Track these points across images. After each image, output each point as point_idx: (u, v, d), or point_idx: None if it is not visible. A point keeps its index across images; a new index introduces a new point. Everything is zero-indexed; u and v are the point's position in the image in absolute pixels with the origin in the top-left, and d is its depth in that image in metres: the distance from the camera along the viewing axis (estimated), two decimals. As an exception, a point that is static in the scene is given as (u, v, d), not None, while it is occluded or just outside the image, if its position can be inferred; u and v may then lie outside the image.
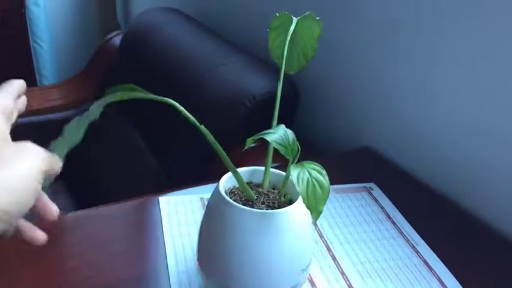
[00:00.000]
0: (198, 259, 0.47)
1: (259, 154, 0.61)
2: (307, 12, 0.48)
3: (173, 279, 0.52)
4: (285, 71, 0.48)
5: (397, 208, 0.67)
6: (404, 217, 0.66)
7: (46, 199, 0.40)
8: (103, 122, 0.40)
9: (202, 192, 0.67)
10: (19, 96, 0.43)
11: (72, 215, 0.63)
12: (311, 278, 0.54)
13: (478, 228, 0.67)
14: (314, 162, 0.40)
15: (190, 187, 0.68)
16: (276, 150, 0.44)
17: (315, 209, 0.38)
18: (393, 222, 0.64)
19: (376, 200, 0.69)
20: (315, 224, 0.62)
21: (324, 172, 0.39)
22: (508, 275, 0.58)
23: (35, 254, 0.53)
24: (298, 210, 0.43)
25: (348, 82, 0.90)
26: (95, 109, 0.38)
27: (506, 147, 0.66)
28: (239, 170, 0.45)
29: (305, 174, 0.38)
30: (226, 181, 0.45)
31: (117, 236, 0.60)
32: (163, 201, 0.64)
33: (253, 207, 0.43)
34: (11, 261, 0.53)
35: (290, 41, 0.48)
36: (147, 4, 1.58)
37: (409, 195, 0.72)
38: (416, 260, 0.58)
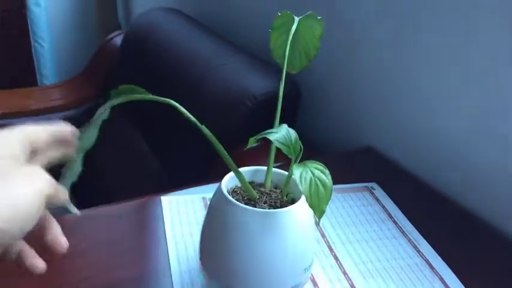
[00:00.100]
0: (200, 259, 0.47)
1: (260, 154, 0.61)
2: (309, 12, 0.48)
3: (175, 278, 0.52)
4: (286, 71, 0.48)
5: (399, 208, 0.67)
6: (406, 217, 0.66)
7: (58, 232, 0.39)
8: (104, 123, 0.40)
9: (204, 192, 0.67)
10: (64, 140, 0.42)
11: (73, 215, 0.63)
12: (313, 278, 0.54)
13: (479, 228, 0.67)
14: (317, 162, 0.40)
15: (192, 187, 0.68)
16: (277, 150, 0.44)
17: (318, 208, 0.38)
18: (395, 222, 0.64)
19: (377, 200, 0.69)
20: (318, 224, 0.62)
21: (327, 171, 0.39)
22: (509, 275, 0.58)
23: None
24: (300, 209, 0.43)
25: (349, 82, 0.90)
26: (102, 113, 0.39)
27: (507, 147, 0.66)
28: (241, 169, 0.45)
29: (308, 174, 0.38)
30: (229, 181, 0.45)
31: (119, 235, 0.60)
32: (165, 200, 0.64)
33: (255, 207, 0.43)
34: (12, 261, 0.53)
35: (292, 41, 0.48)
36: (148, 4, 1.59)
37: (411, 195, 0.72)
38: (418, 260, 0.58)
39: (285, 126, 0.42)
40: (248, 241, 0.42)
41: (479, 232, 0.66)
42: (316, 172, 0.39)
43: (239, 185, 0.46)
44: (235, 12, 1.20)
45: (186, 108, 0.41)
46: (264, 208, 0.43)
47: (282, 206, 0.43)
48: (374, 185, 0.72)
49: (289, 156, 0.41)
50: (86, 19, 1.90)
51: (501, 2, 0.62)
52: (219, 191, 0.44)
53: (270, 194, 0.45)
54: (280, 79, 0.47)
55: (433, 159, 0.76)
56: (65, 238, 0.39)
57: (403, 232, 0.63)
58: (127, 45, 1.29)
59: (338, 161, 0.80)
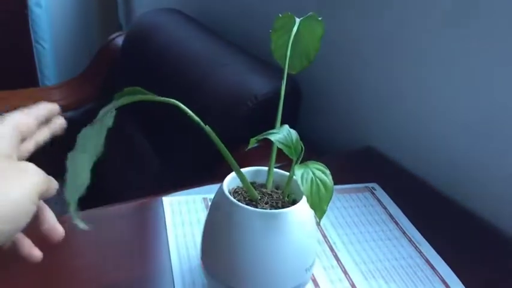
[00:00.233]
0: (202, 259, 0.47)
1: (261, 154, 0.61)
2: (310, 13, 0.49)
3: (177, 279, 0.52)
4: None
5: (400, 208, 0.68)
6: (407, 217, 0.66)
7: (53, 221, 0.40)
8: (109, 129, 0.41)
9: (205, 193, 0.67)
10: (49, 119, 0.43)
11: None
12: (314, 278, 0.54)
13: (480, 228, 0.67)
14: (318, 162, 0.40)
15: (193, 187, 0.69)
16: (278, 151, 0.44)
17: (319, 208, 0.38)
18: (396, 223, 0.65)
19: (378, 200, 0.69)
20: (319, 224, 0.62)
21: (328, 172, 0.39)
22: (510, 275, 0.58)
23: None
24: (301, 210, 0.43)
25: (349, 82, 0.90)
26: (105, 115, 0.38)
27: (508, 147, 0.66)
28: (242, 170, 0.45)
29: (309, 174, 0.38)
30: (230, 181, 0.45)
31: (121, 236, 0.60)
32: (167, 201, 0.65)
33: (257, 207, 0.43)
34: (14, 261, 0.53)
35: (292, 42, 0.48)
36: (149, 5, 1.59)
37: (412, 195, 0.72)
38: (419, 260, 0.58)
39: (286, 126, 0.42)
40: (250, 241, 0.42)
41: (480, 232, 0.66)
42: (317, 172, 0.39)
43: (241, 185, 0.46)
44: (235, 12, 1.20)
45: (187, 108, 0.41)
46: (265, 209, 0.43)
47: (283, 207, 0.44)
48: (375, 185, 0.72)
49: (291, 156, 0.41)
50: (87, 20, 1.91)
51: (501, 2, 0.62)
52: (220, 191, 0.44)
53: (271, 194, 0.45)
54: (280, 79, 0.47)
55: (433, 159, 0.76)
56: (61, 226, 0.40)
57: (403, 232, 0.63)
58: (128, 46, 1.29)
59: (339, 161, 0.80)
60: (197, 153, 0.96)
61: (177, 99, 0.41)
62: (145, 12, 1.31)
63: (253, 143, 0.40)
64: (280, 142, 0.40)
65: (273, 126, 0.44)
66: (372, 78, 0.85)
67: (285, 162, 0.47)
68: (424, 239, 0.62)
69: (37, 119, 0.42)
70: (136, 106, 0.42)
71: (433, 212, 0.69)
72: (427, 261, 0.58)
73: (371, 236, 0.61)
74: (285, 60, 0.47)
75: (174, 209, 0.63)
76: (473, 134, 0.70)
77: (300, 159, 0.41)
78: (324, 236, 0.61)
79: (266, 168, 0.47)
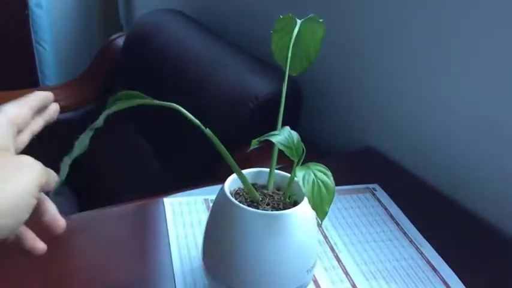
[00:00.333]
0: (203, 260, 0.47)
1: (261, 155, 0.62)
2: (311, 15, 0.49)
3: (178, 279, 0.52)
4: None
5: (400, 209, 0.68)
6: (408, 218, 0.66)
7: (54, 212, 0.40)
8: (105, 124, 0.40)
9: (206, 194, 0.67)
10: (44, 107, 0.43)
11: (76, 216, 0.64)
12: (315, 279, 0.54)
13: (481, 229, 0.67)
14: (319, 164, 0.40)
15: (193, 188, 0.69)
16: (279, 152, 0.44)
17: (320, 209, 0.38)
18: (396, 223, 0.65)
19: (379, 201, 0.69)
20: (320, 225, 0.62)
21: (329, 173, 0.39)
22: (511, 276, 0.58)
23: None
24: (303, 211, 0.43)
25: (349, 83, 0.91)
26: (101, 119, 0.38)
27: (508, 147, 0.66)
28: (244, 171, 0.45)
29: (310, 176, 0.39)
30: (232, 182, 0.46)
31: (122, 237, 0.60)
32: (168, 202, 0.65)
33: (258, 209, 0.43)
34: (16, 262, 0.53)
35: (293, 43, 0.48)
36: (149, 6, 1.59)
37: (412, 196, 0.72)
38: (420, 261, 0.58)
39: (287, 128, 0.42)
40: (251, 243, 0.42)
41: (481, 233, 0.66)
42: (319, 174, 0.39)
43: (242, 186, 0.46)
44: (236, 13, 1.20)
45: (187, 110, 0.41)
46: (266, 210, 0.43)
47: (284, 208, 0.44)
48: (375, 186, 0.72)
49: (292, 158, 0.41)
50: (88, 20, 1.91)
51: (500, 2, 0.63)
52: (222, 192, 0.44)
53: (272, 195, 0.46)
54: (281, 80, 0.47)
55: (434, 160, 0.76)
56: (62, 218, 0.40)
57: (404, 233, 0.63)
58: (129, 47, 1.29)
59: (339, 162, 0.80)
60: (197, 154, 0.96)
61: (177, 100, 0.41)
62: (146, 12, 1.31)
63: (254, 144, 0.40)
64: (281, 144, 0.41)
65: (273, 127, 0.44)
66: (372, 79, 0.85)
67: (286, 163, 0.47)
68: (425, 240, 0.62)
69: (32, 109, 0.41)
70: (135, 108, 0.42)
71: (433, 212, 0.69)
72: (428, 262, 0.58)
73: (372, 237, 0.62)
74: (286, 61, 0.47)
75: (175, 210, 0.63)
76: (474, 134, 0.70)
77: (301, 160, 0.41)
78: (325, 237, 0.61)
79: (267, 169, 0.47)
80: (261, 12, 1.11)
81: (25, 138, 0.42)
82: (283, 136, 0.41)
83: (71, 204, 1.19)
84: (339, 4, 0.88)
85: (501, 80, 0.65)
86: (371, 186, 0.72)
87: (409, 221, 0.65)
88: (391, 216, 0.66)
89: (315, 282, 0.53)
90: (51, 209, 0.40)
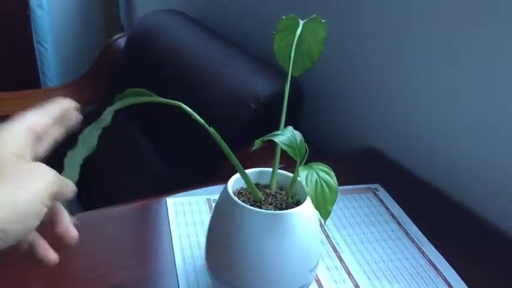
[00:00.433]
0: (206, 259, 0.47)
1: (263, 155, 0.62)
2: (313, 15, 0.49)
3: (181, 279, 0.52)
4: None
5: (402, 209, 0.68)
6: (410, 217, 0.66)
7: (67, 222, 0.40)
8: (106, 128, 0.41)
9: (208, 194, 0.67)
10: (65, 116, 0.42)
11: (79, 216, 0.64)
12: (318, 279, 0.54)
13: (483, 229, 0.67)
14: (322, 164, 0.40)
15: (196, 188, 0.69)
16: (281, 152, 0.44)
17: (323, 209, 0.38)
18: (398, 223, 0.65)
19: (381, 201, 0.69)
20: (322, 225, 0.62)
21: (332, 173, 0.39)
22: (513, 275, 0.58)
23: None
24: (305, 211, 0.43)
25: (350, 83, 0.91)
26: (106, 115, 0.39)
27: (508, 147, 0.66)
28: (246, 171, 0.45)
29: (313, 176, 0.39)
30: (235, 182, 0.46)
31: (125, 236, 0.60)
32: (171, 202, 0.65)
33: (261, 208, 0.43)
34: (20, 261, 0.53)
35: (296, 44, 0.48)
36: (150, 6, 1.59)
37: (414, 196, 0.72)
38: (422, 261, 0.58)
39: (290, 128, 0.43)
40: (254, 242, 0.42)
41: (482, 233, 0.66)
42: (322, 174, 0.39)
43: (245, 186, 0.46)
44: (237, 13, 1.21)
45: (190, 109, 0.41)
46: (269, 209, 0.43)
47: (287, 208, 0.44)
48: (377, 186, 0.73)
49: (295, 158, 0.41)
50: (89, 21, 1.91)
51: (502, 2, 0.63)
52: (225, 192, 0.44)
53: (275, 195, 0.46)
54: (283, 80, 0.47)
55: (435, 160, 0.76)
56: (75, 229, 0.40)
57: (406, 233, 0.63)
58: (130, 47, 1.29)
59: (340, 162, 0.80)
60: (199, 154, 0.96)
61: (179, 100, 0.41)
62: (147, 13, 1.31)
63: (257, 144, 0.40)
64: (284, 144, 0.41)
65: (275, 128, 0.44)
66: (373, 79, 0.85)
67: (288, 163, 0.47)
68: (427, 240, 0.62)
69: (53, 117, 0.41)
70: (137, 107, 0.42)
71: (435, 212, 0.69)
72: (430, 261, 0.58)
73: (374, 237, 0.62)
74: (289, 62, 0.48)
75: (178, 210, 0.63)
76: (474, 134, 0.70)
77: (304, 160, 0.41)
78: (327, 237, 0.61)
79: (269, 169, 0.47)
80: (261, 12, 1.11)
81: (45, 146, 0.41)
82: (286, 136, 0.41)
83: (71, 204, 1.19)
84: (339, 4, 0.88)
85: (501, 81, 0.65)
86: (373, 186, 0.73)
87: (410, 221, 0.65)
88: (393, 216, 0.66)
89: (318, 281, 0.54)
90: (65, 220, 0.40)
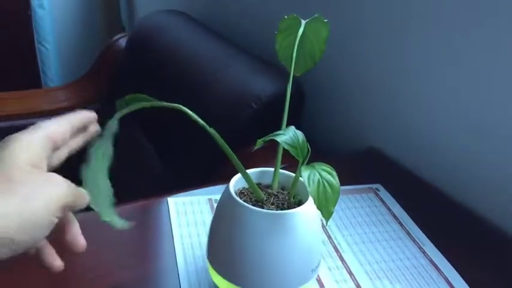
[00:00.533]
0: (208, 258, 0.47)
1: (264, 155, 0.62)
2: (316, 15, 0.49)
3: (183, 278, 0.52)
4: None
5: (404, 209, 0.68)
6: (411, 217, 0.66)
7: (76, 231, 0.40)
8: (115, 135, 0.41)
9: (210, 193, 0.67)
10: (85, 127, 0.42)
11: (79, 216, 0.64)
12: (319, 278, 0.54)
13: (484, 229, 0.67)
14: (324, 164, 0.40)
15: (197, 188, 0.69)
16: (283, 152, 0.44)
17: (326, 209, 0.38)
18: (400, 223, 0.65)
19: (382, 201, 0.69)
20: (325, 225, 0.62)
21: (334, 173, 0.40)
22: (515, 276, 0.58)
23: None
24: (307, 210, 0.43)
25: (351, 83, 0.91)
26: (111, 125, 0.39)
27: (509, 147, 0.66)
28: (248, 171, 0.45)
29: (316, 176, 0.39)
30: (236, 182, 0.46)
31: (126, 236, 0.60)
32: (172, 202, 0.65)
33: (263, 208, 0.43)
34: (22, 260, 0.53)
35: (298, 43, 0.48)
36: (151, 6, 1.59)
37: (415, 196, 0.72)
38: (423, 261, 0.58)
39: (292, 128, 0.43)
40: (256, 242, 0.42)
41: (484, 232, 0.66)
42: (324, 174, 0.39)
43: (246, 186, 0.46)
44: (238, 13, 1.21)
45: (191, 110, 0.41)
46: (271, 209, 0.43)
47: (289, 208, 0.44)
48: (379, 186, 0.73)
49: (297, 158, 0.41)
50: (90, 21, 1.91)
51: (502, 2, 0.63)
52: (227, 192, 0.44)
53: (277, 195, 0.46)
54: (284, 80, 0.47)
55: (436, 160, 0.76)
56: (83, 239, 0.40)
57: (408, 233, 0.63)
58: (131, 48, 1.29)
59: (341, 162, 0.80)
60: (200, 154, 0.96)
61: (180, 101, 0.41)
62: (148, 13, 1.31)
63: (259, 144, 0.40)
64: (286, 143, 0.41)
65: (276, 128, 0.44)
66: (374, 79, 0.86)
67: (289, 163, 0.47)
68: (428, 239, 0.62)
69: (72, 127, 0.41)
70: (139, 109, 0.42)
71: (436, 212, 0.69)
72: (432, 261, 0.58)
73: (375, 237, 0.62)
74: (291, 61, 0.48)
75: (179, 210, 0.63)
76: (475, 134, 0.70)
77: (306, 160, 0.41)
78: (329, 237, 0.61)
79: (271, 169, 0.47)
80: (262, 12, 1.11)
81: (62, 155, 0.41)
82: (289, 136, 0.41)
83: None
84: (340, 4, 0.88)
85: (501, 81, 0.65)
86: (374, 186, 0.73)
87: (412, 221, 0.65)
88: (394, 216, 0.66)
89: (319, 281, 0.54)
90: (74, 230, 0.40)
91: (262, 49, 1.04)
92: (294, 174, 0.46)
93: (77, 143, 0.43)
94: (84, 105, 1.38)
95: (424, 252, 0.60)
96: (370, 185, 0.73)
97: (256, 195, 0.45)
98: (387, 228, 0.64)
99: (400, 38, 0.79)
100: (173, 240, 0.58)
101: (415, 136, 0.80)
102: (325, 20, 0.48)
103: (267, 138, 0.41)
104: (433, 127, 0.77)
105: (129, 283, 0.52)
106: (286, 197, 0.46)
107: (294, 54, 0.47)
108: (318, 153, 0.83)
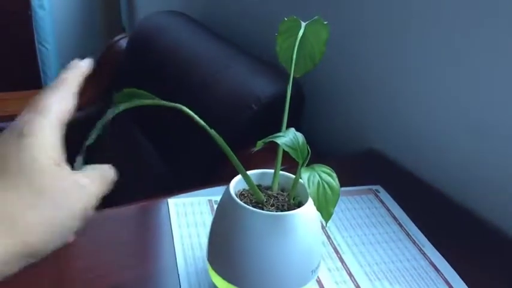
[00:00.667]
0: (208, 260, 0.48)
1: (264, 157, 0.62)
2: (316, 17, 0.49)
3: (183, 279, 0.52)
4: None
5: (404, 210, 0.68)
6: (411, 219, 0.66)
7: None
8: (108, 125, 0.41)
9: (210, 195, 0.67)
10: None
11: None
12: (319, 280, 0.54)
13: (484, 229, 0.67)
14: (324, 165, 0.40)
15: (197, 189, 0.69)
16: (282, 153, 0.44)
17: (325, 210, 0.38)
18: (400, 225, 0.65)
19: (382, 202, 0.69)
20: (324, 227, 0.62)
21: (334, 175, 0.40)
22: (514, 277, 0.58)
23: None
24: (307, 212, 0.43)
25: (351, 83, 0.91)
26: (111, 115, 0.39)
27: (509, 147, 0.66)
28: (248, 172, 0.45)
29: (315, 177, 0.39)
30: (236, 183, 0.46)
31: (127, 237, 0.60)
32: (172, 203, 0.65)
33: (263, 209, 0.43)
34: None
35: (298, 45, 0.48)
36: (152, 7, 1.59)
37: (415, 197, 0.72)
38: (423, 262, 0.58)
39: (292, 129, 0.43)
40: (256, 243, 0.42)
41: (484, 234, 0.66)
42: (324, 175, 0.39)
43: (247, 188, 0.46)
44: (238, 14, 1.21)
45: (191, 111, 0.41)
46: (271, 211, 0.43)
47: (289, 209, 0.44)
48: (379, 187, 0.73)
49: (297, 159, 0.41)
50: (90, 22, 1.91)
51: (502, 3, 0.63)
52: (227, 193, 0.44)
53: (277, 197, 0.46)
54: (284, 81, 0.47)
55: (437, 161, 0.76)
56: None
57: (407, 234, 0.63)
58: (131, 48, 1.29)
59: (342, 163, 0.80)
60: (200, 155, 0.96)
61: (180, 102, 0.41)
62: (149, 14, 1.31)
63: (259, 145, 0.40)
64: (286, 145, 0.41)
65: (276, 129, 0.44)
66: (374, 80, 0.86)
67: (289, 164, 0.47)
68: (428, 241, 0.62)
69: (74, 94, 0.37)
70: (138, 108, 0.42)
71: (436, 213, 0.69)
72: (431, 263, 0.58)
73: (375, 238, 0.62)
74: (291, 63, 0.48)
75: (179, 211, 0.64)
76: (475, 135, 0.70)
77: (306, 162, 0.42)
78: (329, 238, 0.61)
79: (271, 170, 0.47)
80: (262, 13, 1.11)
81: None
82: (289, 138, 0.41)
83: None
84: (340, 5, 0.88)
85: (501, 81, 0.65)
86: (374, 187, 0.73)
87: (412, 222, 0.65)
88: (394, 218, 0.66)
89: (319, 283, 0.54)
90: None
91: (262, 50, 1.04)
92: (294, 176, 0.46)
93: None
94: (84, 106, 1.38)
95: (423, 254, 0.60)
96: (370, 186, 0.73)
97: (256, 196, 0.45)
98: (387, 229, 0.64)
99: (400, 38, 0.79)
100: (173, 240, 0.58)
101: (415, 137, 0.80)
102: (325, 22, 0.48)
103: (267, 139, 0.41)
104: (433, 127, 0.77)
105: (129, 283, 0.53)
106: (286, 199, 0.46)
107: (294, 56, 0.47)
108: (318, 154, 0.83)
